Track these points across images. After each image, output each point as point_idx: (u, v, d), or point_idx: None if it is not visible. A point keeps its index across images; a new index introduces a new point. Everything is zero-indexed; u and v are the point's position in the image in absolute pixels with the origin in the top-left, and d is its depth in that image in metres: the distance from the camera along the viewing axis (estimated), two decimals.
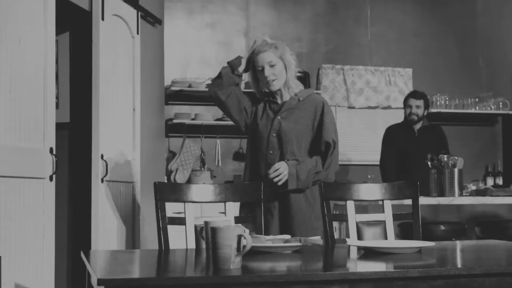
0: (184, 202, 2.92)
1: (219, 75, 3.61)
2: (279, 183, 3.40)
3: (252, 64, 3.61)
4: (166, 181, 6.31)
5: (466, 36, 7.60)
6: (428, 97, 7.26)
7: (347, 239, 2.69)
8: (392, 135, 5.84)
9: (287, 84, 3.57)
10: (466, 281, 2.01)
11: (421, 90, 7.32)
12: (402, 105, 7.22)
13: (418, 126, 5.77)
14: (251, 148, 3.66)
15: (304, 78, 6.87)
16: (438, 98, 7.24)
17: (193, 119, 6.61)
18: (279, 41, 3.61)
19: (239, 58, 3.60)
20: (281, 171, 3.39)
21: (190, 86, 6.58)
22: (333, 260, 2.43)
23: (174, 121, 6.59)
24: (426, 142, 5.69)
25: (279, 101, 3.60)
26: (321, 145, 3.46)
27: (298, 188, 3.42)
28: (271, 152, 3.51)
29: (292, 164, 3.40)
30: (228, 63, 3.62)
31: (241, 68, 3.60)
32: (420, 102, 5.76)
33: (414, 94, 5.85)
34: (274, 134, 3.51)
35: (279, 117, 3.53)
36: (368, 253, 2.39)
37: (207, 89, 6.64)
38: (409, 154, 5.69)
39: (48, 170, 3.78)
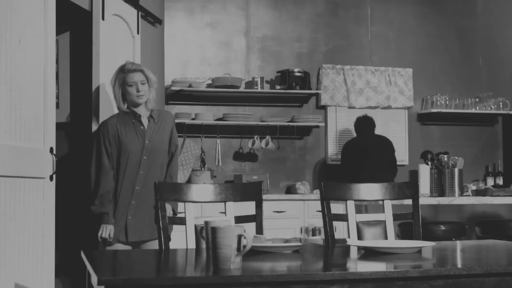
0: (184, 202, 2.92)
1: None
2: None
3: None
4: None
5: (466, 36, 7.61)
6: (428, 97, 7.30)
7: (347, 239, 2.69)
8: None
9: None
10: (466, 281, 2.01)
11: (421, 90, 7.37)
12: (402, 105, 7.25)
13: None
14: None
15: (304, 78, 6.87)
16: (438, 98, 7.24)
17: (193, 119, 6.62)
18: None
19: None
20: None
21: (190, 86, 6.58)
22: (333, 260, 2.43)
23: (174, 121, 6.59)
24: None
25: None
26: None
27: None
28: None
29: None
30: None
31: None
32: None
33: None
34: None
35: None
36: (368, 253, 2.39)
37: (207, 89, 6.68)
38: None
39: (48, 170, 3.78)
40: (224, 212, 2.99)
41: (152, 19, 5.89)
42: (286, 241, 2.52)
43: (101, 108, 4.59)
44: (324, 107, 7.15)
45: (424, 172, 6.36)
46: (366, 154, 6.37)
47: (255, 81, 6.75)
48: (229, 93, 6.78)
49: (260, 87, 6.76)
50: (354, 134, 6.80)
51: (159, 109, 4.15)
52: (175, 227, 3.90)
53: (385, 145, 6.49)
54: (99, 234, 3.86)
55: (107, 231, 3.85)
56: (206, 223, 2.10)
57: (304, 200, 6.37)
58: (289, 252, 2.44)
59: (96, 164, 3.92)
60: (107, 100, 4.71)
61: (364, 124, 6.63)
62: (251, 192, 3.06)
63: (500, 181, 7.35)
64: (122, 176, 3.89)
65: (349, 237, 2.94)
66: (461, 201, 5.13)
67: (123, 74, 3.95)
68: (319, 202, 3.05)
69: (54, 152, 3.83)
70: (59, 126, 4.10)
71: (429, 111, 7.25)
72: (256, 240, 2.48)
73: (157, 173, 3.94)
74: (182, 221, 2.91)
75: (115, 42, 4.89)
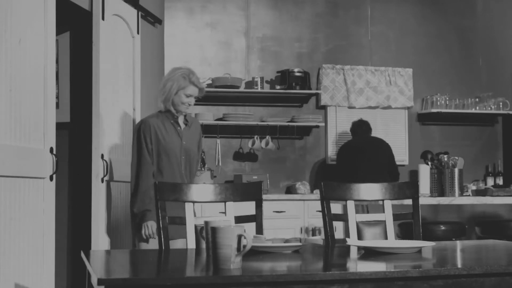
0: (184, 202, 2.92)
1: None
2: None
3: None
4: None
5: (466, 36, 7.60)
6: (428, 97, 7.31)
7: (347, 239, 2.69)
8: None
9: None
10: (466, 281, 2.01)
11: (421, 90, 7.36)
12: (402, 105, 7.26)
13: None
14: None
15: (304, 78, 6.87)
16: (438, 98, 7.24)
17: None
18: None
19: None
20: None
21: None
22: (333, 260, 2.43)
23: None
24: None
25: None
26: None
27: None
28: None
29: None
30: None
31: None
32: None
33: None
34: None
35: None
36: (368, 253, 2.39)
37: (207, 89, 6.67)
38: None
39: (48, 170, 3.78)
40: (224, 212, 2.99)
41: (152, 19, 5.89)
42: (286, 241, 2.52)
43: (101, 108, 4.59)
44: (324, 107, 7.14)
45: (424, 172, 6.36)
46: (361, 155, 6.34)
47: (255, 81, 6.75)
48: (229, 93, 6.78)
49: (260, 87, 6.76)
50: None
51: (190, 115, 4.30)
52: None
53: (381, 146, 6.46)
54: (143, 232, 3.90)
55: (149, 228, 3.90)
56: (206, 223, 2.10)
57: (304, 200, 6.36)
58: (289, 252, 2.44)
59: (137, 162, 3.97)
60: (107, 100, 4.72)
61: (359, 127, 6.61)
62: (251, 192, 3.06)
63: (500, 181, 7.35)
64: (167, 174, 3.95)
65: (348, 237, 2.94)
66: (461, 201, 5.13)
67: (187, 82, 4.00)
68: (319, 202, 3.05)
69: (54, 152, 3.84)
70: (59, 126, 4.10)
71: (429, 111, 7.25)
72: (256, 240, 2.48)
73: (192, 175, 4.09)
74: (182, 221, 2.91)
75: (115, 42, 4.89)
